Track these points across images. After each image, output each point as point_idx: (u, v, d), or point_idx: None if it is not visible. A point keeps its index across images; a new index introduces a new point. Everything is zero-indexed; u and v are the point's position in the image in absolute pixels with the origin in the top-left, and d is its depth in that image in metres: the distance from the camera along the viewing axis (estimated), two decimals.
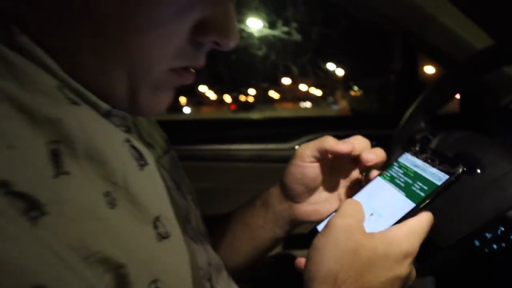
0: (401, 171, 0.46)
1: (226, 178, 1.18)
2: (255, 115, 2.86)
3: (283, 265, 1.09)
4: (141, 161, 0.34)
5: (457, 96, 1.20)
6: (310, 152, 0.52)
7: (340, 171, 0.54)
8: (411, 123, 0.79)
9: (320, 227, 0.48)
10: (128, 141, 0.34)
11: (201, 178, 0.66)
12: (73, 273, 0.23)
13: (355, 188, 0.53)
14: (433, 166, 0.42)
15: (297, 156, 0.53)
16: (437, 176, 0.41)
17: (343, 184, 0.55)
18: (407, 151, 0.48)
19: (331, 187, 0.55)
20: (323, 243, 0.37)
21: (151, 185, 0.34)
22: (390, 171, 0.47)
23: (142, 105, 0.36)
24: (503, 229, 0.50)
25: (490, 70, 0.92)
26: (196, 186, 0.58)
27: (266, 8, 1.33)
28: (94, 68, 0.32)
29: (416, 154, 0.46)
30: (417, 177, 0.43)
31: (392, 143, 0.79)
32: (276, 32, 1.35)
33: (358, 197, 0.46)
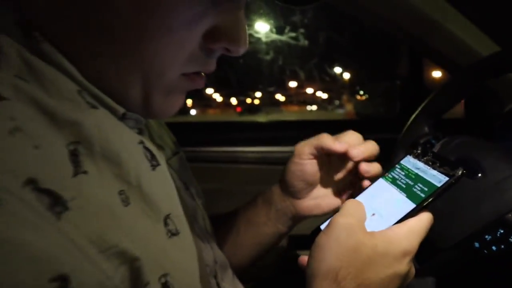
0: (403, 173, 0.47)
1: (231, 179, 1.19)
2: (261, 118, 2.88)
3: (286, 266, 1.11)
4: (153, 162, 0.36)
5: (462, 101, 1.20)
6: (308, 150, 0.54)
7: (338, 166, 0.56)
8: (415, 127, 0.80)
9: (323, 226, 0.49)
10: (141, 142, 0.36)
11: (207, 179, 0.67)
12: (92, 264, 0.25)
13: (354, 180, 0.55)
14: (434, 168, 0.44)
15: (296, 154, 0.55)
16: (437, 178, 0.42)
17: (342, 177, 0.57)
18: (409, 154, 0.49)
19: (331, 181, 0.57)
20: (325, 240, 0.39)
21: (162, 185, 0.36)
22: (392, 173, 0.48)
23: (155, 108, 0.38)
24: (502, 231, 0.51)
25: (494, 76, 0.93)
26: (202, 187, 0.59)
27: (274, 14, 1.35)
28: (111, 73, 0.34)
29: (417, 156, 0.48)
30: (418, 178, 0.44)
31: (396, 147, 0.80)
32: (283, 38, 1.37)
33: (361, 197, 0.48)
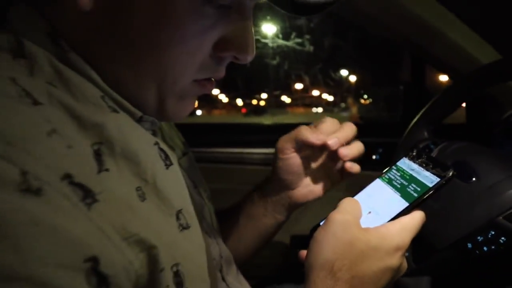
0: (398, 174, 0.50)
1: (237, 179, 1.22)
2: (266, 119, 2.90)
3: (289, 264, 1.13)
4: (167, 162, 0.39)
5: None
6: (288, 145, 0.56)
7: (321, 153, 0.59)
8: (414, 132, 0.83)
9: (322, 223, 0.52)
10: (156, 143, 0.39)
11: (214, 179, 0.70)
12: (117, 250, 0.29)
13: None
14: (427, 170, 0.47)
15: (278, 151, 0.58)
16: (430, 179, 0.45)
17: (330, 161, 0.59)
18: (405, 156, 0.52)
19: (320, 167, 0.60)
20: (322, 235, 0.42)
21: (175, 183, 0.39)
22: (388, 174, 0.51)
23: (168, 112, 0.41)
24: (493, 233, 0.53)
25: (493, 84, 0.96)
26: (209, 186, 0.62)
27: (281, 20, 1.39)
28: (129, 80, 0.38)
29: (412, 158, 0.50)
30: (412, 179, 0.47)
31: (396, 150, 0.83)
32: (289, 43, 1.40)
33: (358, 196, 0.50)
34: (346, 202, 0.45)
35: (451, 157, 0.67)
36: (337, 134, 0.54)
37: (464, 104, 1.20)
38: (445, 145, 0.72)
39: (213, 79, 0.43)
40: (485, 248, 0.54)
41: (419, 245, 0.66)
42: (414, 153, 0.51)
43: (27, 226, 0.24)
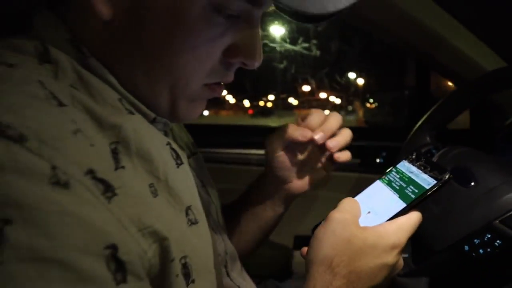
0: (398, 176, 0.52)
1: (244, 180, 1.24)
2: (273, 121, 2.92)
3: (290, 264, 1.15)
4: (178, 161, 0.42)
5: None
6: (277, 145, 0.59)
7: (312, 145, 0.61)
8: (417, 137, 0.85)
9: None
10: (168, 144, 0.42)
11: (221, 179, 0.72)
12: (133, 239, 0.31)
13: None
14: (425, 172, 0.49)
15: (268, 151, 0.60)
16: (427, 181, 0.47)
17: (320, 152, 0.62)
18: (405, 159, 0.54)
19: (311, 159, 0.62)
20: (322, 233, 0.44)
21: (185, 181, 0.42)
22: (388, 176, 0.53)
23: (180, 114, 0.44)
24: (489, 236, 0.55)
25: (496, 91, 0.97)
26: (216, 186, 0.65)
27: (288, 25, 1.41)
28: (144, 84, 0.40)
29: (412, 161, 0.53)
30: (411, 181, 0.49)
31: (399, 154, 0.85)
32: (296, 47, 1.43)
33: (359, 197, 0.52)
34: (346, 202, 0.47)
35: (452, 162, 0.69)
36: (323, 127, 0.56)
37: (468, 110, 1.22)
38: (446, 150, 0.74)
39: (222, 83, 0.46)
40: (481, 251, 0.56)
41: (419, 246, 0.69)
42: (414, 156, 0.53)
43: (56, 215, 0.27)
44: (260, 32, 0.44)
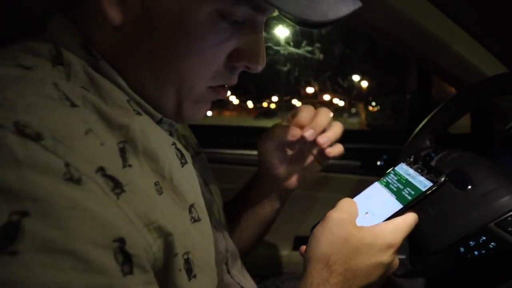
0: (396, 178, 0.53)
1: (245, 180, 1.27)
2: (275, 122, 2.92)
3: (290, 264, 1.17)
4: (183, 160, 0.43)
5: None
6: (268, 145, 0.61)
7: (303, 141, 0.61)
8: (417, 140, 0.86)
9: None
10: (173, 144, 0.43)
11: (223, 179, 0.74)
12: (140, 234, 0.33)
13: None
14: (422, 175, 0.50)
15: (261, 153, 0.62)
16: (423, 184, 0.49)
17: (312, 147, 0.63)
18: (403, 161, 0.56)
19: (305, 155, 0.64)
20: (320, 232, 0.46)
21: (189, 180, 0.43)
22: (386, 178, 0.55)
23: (185, 115, 0.45)
24: (484, 238, 0.56)
25: (497, 96, 0.98)
26: (219, 186, 0.67)
27: (292, 28, 1.43)
28: (151, 86, 0.42)
29: (409, 164, 0.54)
30: (408, 183, 0.51)
31: (399, 158, 0.86)
32: (300, 51, 1.45)
33: (357, 198, 0.54)
34: (344, 202, 0.49)
35: (450, 166, 0.70)
36: (313, 124, 0.58)
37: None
38: (445, 154, 0.75)
39: (226, 86, 0.47)
40: (476, 253, 0.57)
41: (416, 248, 0.70)
42: (412, 159, 0.55)
43: (69, 209, 0.29)
44: (264, 34, 0.46)
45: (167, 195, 0.39)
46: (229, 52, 0.43)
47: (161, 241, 0.36)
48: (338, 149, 0.60)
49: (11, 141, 0.28)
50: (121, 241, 0.31)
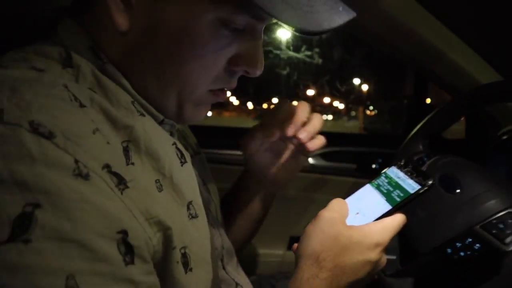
0: (386, 181, 0.56)
1: None
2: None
3: (285, 263, 1.19)
4: (182, 160, 0.46)
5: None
6: (251, 146, 0.62)
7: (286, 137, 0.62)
8: (410, 145, 0.89)
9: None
10: (174, 144, 0.46)
11: (222, 179, 0.76)
12: (141, 227, 0.35)
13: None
14: (411, 178, 0.52)
15: (246, 155, 0.64)
16: (412, 186, 0.51)
17: (296, 142, 0.63)
18: (394, 165, 0.58)
19: (289, 150, 0.65)
20: (311, 230, 0.48)
21: (188, 178, 0.45)
22: (378, 180, 0.57)
23: (186, 116, 0.48)
24: (470, 240, 0.59)
25: (489, 104, 1.01)
26: (218, 186, 0.69)
27: (292, 33, 1.46)
28: (154, 88, 0.44)
29: (400, 167, 0.56)
30: (397, 186, 0.53)
31: (393, 161, 0.88)
32: (300, 55, 1.47)
33: (349, 198, 0.56)
34: (335, 202, 0.51)
35: (441, 170, 0.73)
36: (293, 120, 0.59)
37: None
38: (437, 159, 0.78)
39: (225, 89, 0.50)
40: (462, 253, 0.59)
41: (406, 248, 0.72)
42: (402, 163, 0.57)
43: (77, 202, 0.31)
44: (265, 38, 0.48)
45: (167, 192, 0.41)
46: (229, 57, 0.45)
47: (160, 235, 0.38)
48: (319, 141, 0.61)
49: (26, 138, 0.31)
50: (124, 233, 0.33)
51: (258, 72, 0.47)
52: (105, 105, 0.39)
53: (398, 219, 0.50)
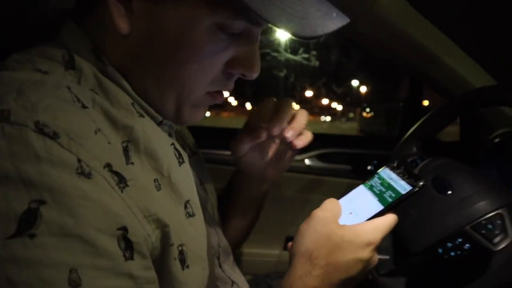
0: (379, 181, 0.57)
1: None
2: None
3: (281, 263, 1.21)
4: (180, 160, 0.47)
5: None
6: (239, 148, 0.63)
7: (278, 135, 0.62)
8: (404, 147, 0.90)
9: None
10: (172, 144, 0.47)
11: (220, 179, 0.77)
12: (140, 224, 0.37)
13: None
14: (403, 179, 0.54)
15: (236, 157, 0.65)
16: (403, 187, 0.53)
17: (283, 140, 0.64)
18: (387, 166, 0.59)
19: (277, 148, 0.67)
20: (305, 228, 0.50)
21: (185, 177, 0.47)
22: (371, 181, 0.59)
23: (184, 118, 0.49)
24: (460, 240, 0.60)
25: (482, 107, 1.02)
26: (216, 186, 0.70)
27: (290, 36, 1.47)
28: (153, 90, 0.46)
29: (393, 169, 0.58)
30: (389, 187, 0.55)
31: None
32: (297, 58, 1.49)
33: (343, 199, 0.58)
34: (328, 202, 0.53)
35: (433, 172, 0.74)
36: (278, 118, 0.59)
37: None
38: (430, 161, 0.79)
39: (222, 91, 0.51)
40: (452, 253, 0.61)
41: (399, 249, 0.74)
42: (395, 164, 0.59)
43: (80, 199, 0.32)
44: (262, 39, 0.49)
45: (165, 191, 0.42)
46: (227, 61, 0.46)
47: (158, 232, 0.39)
48: (305, 137, 0.62)
49: (32, 138, 0.32)
50: (124, 229, 0.35)
51: (254, 75, 0.49)
52: (106, 106, 0.40)
53: (390, 219, 0.52)
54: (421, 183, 0.51)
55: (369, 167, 1.24)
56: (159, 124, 0.48)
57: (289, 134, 0.59)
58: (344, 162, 1.30)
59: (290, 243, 0.52)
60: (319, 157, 1.34)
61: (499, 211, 0.59)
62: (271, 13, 0.39)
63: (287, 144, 0.64)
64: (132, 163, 0.39)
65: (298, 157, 1.35)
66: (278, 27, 0.40)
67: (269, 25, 0.49)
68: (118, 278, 0.34)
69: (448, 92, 1.10)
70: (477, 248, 0.59)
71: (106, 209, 0.34)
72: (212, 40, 0.43)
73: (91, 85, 0.41)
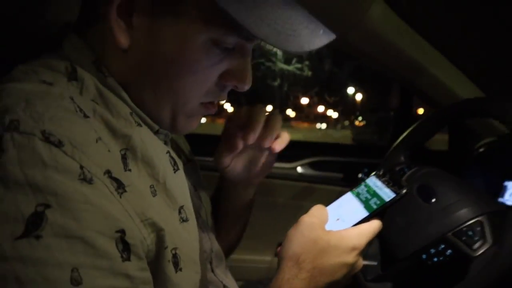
0: (366, 189, 0.60)
1: None
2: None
3: (272, 269, 1.22)
4: (175, 167, 0.50)
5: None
6: (227, 161, 0.65)
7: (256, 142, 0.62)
8: (393, 156, 0.93)
9: None
10: (168, 152, 0.49)
11: (213, 186, 0.79)
12: (137, 227, 0.39)
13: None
14: (388, 187, 0.57)
15: (221, 168, 0.66)
16: (388, 195, 0.55)
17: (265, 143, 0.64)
18: (374, 174, 0.62)
19: (257, 153, 0.67)
20: (292, 233, 0.52)
21: (180, 184, 0.49)
22: (358, 189, 0.62)
23: (179, 127, 0.52)
24: (443, 246, 0.63)
25: (466, 118, 1.06)
26: (210, 194, 0.73)
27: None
28: (150, 101, 0.48)
29: (379, 177, 0.61)
30: (375, 194, 0.57)
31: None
32: (290, 68, 1.52)
33: (331, 206, 0.60)
34: (315, 208, 0.56)
35: (419, 180, 0.77)
36: (251, 125, 0.60)
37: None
38: (416, 169, 0.82)
39: (216, 102, 0.54)
40: (435, 259, 0.63)
41: (386, 255, 0.76)
42: (381, 173, 0.61)
43: (82, 204, 0.35)
44: (258, 51, 0.52)
45: (160, 197, 0.45)
46: (220, 73, 0.49)
47: (154, 235, 0.42)
48: (282, 141, 0.62)
49: (39, 146, 0.34)
50: (122, 232, 0.37)
51: (246, 87, 0.51)
52: (106, 116, 0.42)
53: (374, 225, 0.54)
54: (404, 191, 0.54)
55: (359, 175, 1.27)
56: (156, 133, 0.50)
57: (265, 142, 0.60)
58: (335, 170, 1.33)
59: (279, 248, 0.54)
60: (311, 165, 1.37)
61: (479, 218, 0.62)
62: (261, 30, 0.42)
63: (265, 149, 0.65)
64: (130, 170, 0.42)
65: (290, 165, 1.38)
66: (268, 43, 0.43)
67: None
68: (115, 278, 0.36)
69: (436, 103, 1.14)
70: (458, 254, 0.61)
71: (106, 213, 0.36)
72: (207, 54, 0.45)
73: (92, 96, 0.44)
